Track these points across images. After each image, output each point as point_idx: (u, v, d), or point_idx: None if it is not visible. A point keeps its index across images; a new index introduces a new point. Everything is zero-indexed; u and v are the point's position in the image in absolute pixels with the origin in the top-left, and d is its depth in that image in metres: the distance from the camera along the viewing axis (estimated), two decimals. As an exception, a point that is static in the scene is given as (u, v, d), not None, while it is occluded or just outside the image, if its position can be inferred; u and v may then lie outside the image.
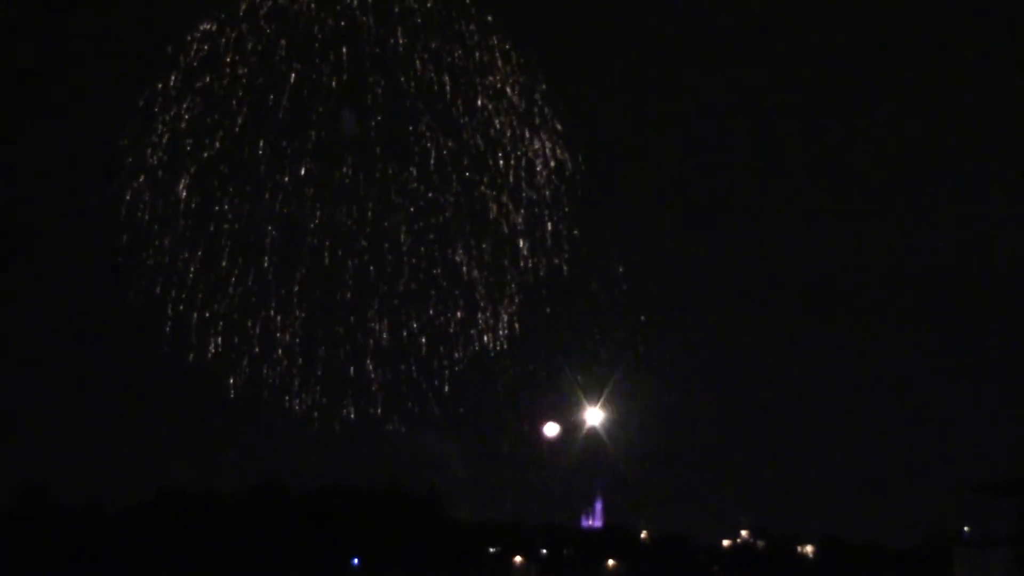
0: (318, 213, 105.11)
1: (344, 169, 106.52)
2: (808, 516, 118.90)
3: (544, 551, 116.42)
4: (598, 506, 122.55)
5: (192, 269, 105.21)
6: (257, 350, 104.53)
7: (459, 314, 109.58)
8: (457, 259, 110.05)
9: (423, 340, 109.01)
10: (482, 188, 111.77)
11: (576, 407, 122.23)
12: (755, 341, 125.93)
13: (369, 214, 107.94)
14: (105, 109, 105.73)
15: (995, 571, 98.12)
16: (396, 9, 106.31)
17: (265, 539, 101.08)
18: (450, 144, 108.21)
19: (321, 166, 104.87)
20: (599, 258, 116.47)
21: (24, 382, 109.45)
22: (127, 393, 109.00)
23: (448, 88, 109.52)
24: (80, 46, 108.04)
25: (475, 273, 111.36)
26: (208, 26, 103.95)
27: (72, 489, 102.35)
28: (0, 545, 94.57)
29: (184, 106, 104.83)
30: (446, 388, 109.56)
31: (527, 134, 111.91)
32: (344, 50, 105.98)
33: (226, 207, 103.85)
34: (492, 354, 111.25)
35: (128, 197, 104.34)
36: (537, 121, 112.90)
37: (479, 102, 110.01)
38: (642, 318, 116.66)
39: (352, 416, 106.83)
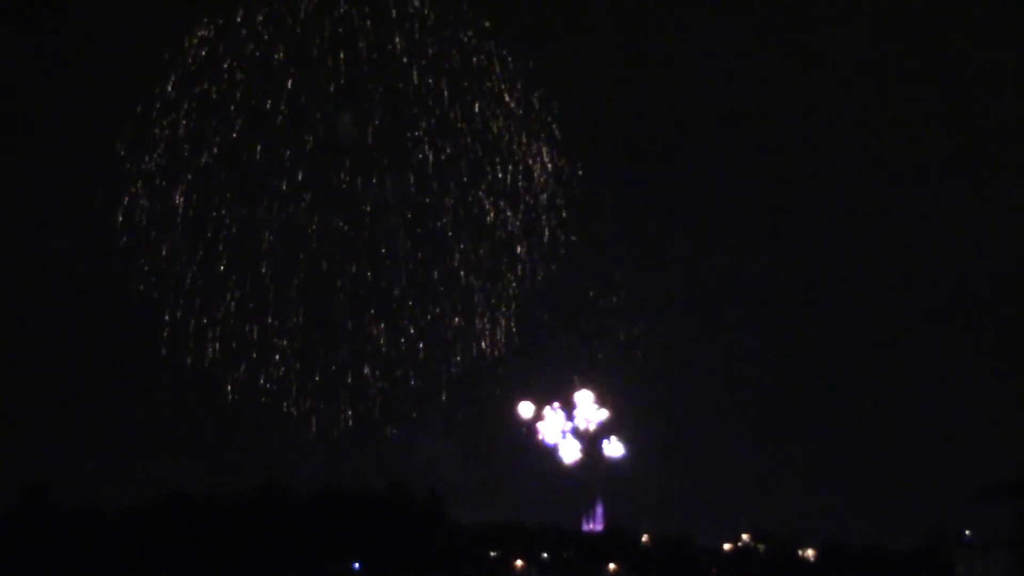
0: (315, 219, 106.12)
1: (342, 175, 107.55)
2: (809, 519, 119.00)
3: (545, 554, 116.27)
4: (599, 509, 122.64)
5: (190, 275, 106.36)
6: (255, 355, 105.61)
7: (457, 319, 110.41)
8: (455, 264, 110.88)
9: (420, 345, 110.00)
10: (479, 193, 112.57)
11: (575, 411, 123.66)
12: (756, 345, 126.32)
13: (367, 219, 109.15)
14: (103, 115, 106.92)
15: (996, 573, 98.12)
16: (394, 15, 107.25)
17: (265, 542, 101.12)
18: (448, 150, 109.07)
19: (319, 171, 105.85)
20: (597, 264, 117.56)
21: (25, 384, 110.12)
22: (128, 395, 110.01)
23: (446, 94, 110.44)
24: (78, 52, 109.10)
25: (472, 278, 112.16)
26: (205, 33, 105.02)
27: (72, 490, 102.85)
28: (1, 545, 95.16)
29: (182, 112, 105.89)
30: (443, 396, 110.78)
31: (525, 139, 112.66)
32: (342, 55, 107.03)
33: (224, 213, 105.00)
34: (489, 358, 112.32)
35: (126, 202, 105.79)
36: (535, 127, 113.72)
37: (476, 108, 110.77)
38: (639, 324, 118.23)
39: (350, 421, 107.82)
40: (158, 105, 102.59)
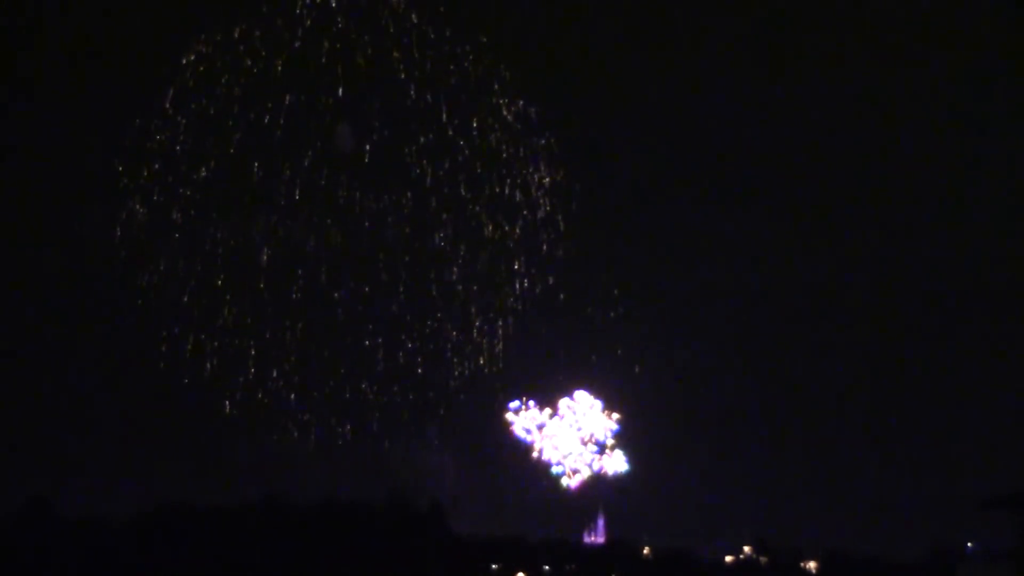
0: (313, 234, 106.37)
1: (339, 190, 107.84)
2: (812, 531, 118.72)
3: (547, 567, 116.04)
4: (600, 522, 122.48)
5: (187, 289, 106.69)
6: (253, 370, 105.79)
7: (455, 334, 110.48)
8: (453, 278, 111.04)
9: (419, 359, 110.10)
10: (477, 207, 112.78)
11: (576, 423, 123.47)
12: (758, 356, 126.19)
13: (365, 234, 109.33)
14: (101, 130, 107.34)
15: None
16: (391, 30, 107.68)
17: (266, 555, 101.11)
18: (446, 164, 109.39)
19: (316, 187, 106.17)
20: (595, 278, 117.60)
21: (26, 397, 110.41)
22: (129, 408, 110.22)
23: (444, 109, 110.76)
24: (76, 67, 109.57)
25: (470, 292, 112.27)
26: (203, 49, 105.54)
27: (74, 503, 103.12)
28: (3, 558, 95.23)
29: (180, 127, 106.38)
30: (442, 410, 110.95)
31: (522, 153, 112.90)
32: (340, 71, 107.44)
33: (221, 228, 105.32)
34: (487, 372, 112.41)
35: (124, 217, 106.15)
36: (533, 141, 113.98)
37: (474, 123, 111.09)
38: (638, 337, 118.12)
39: (348, 435, 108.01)
40: (156, 120, 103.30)
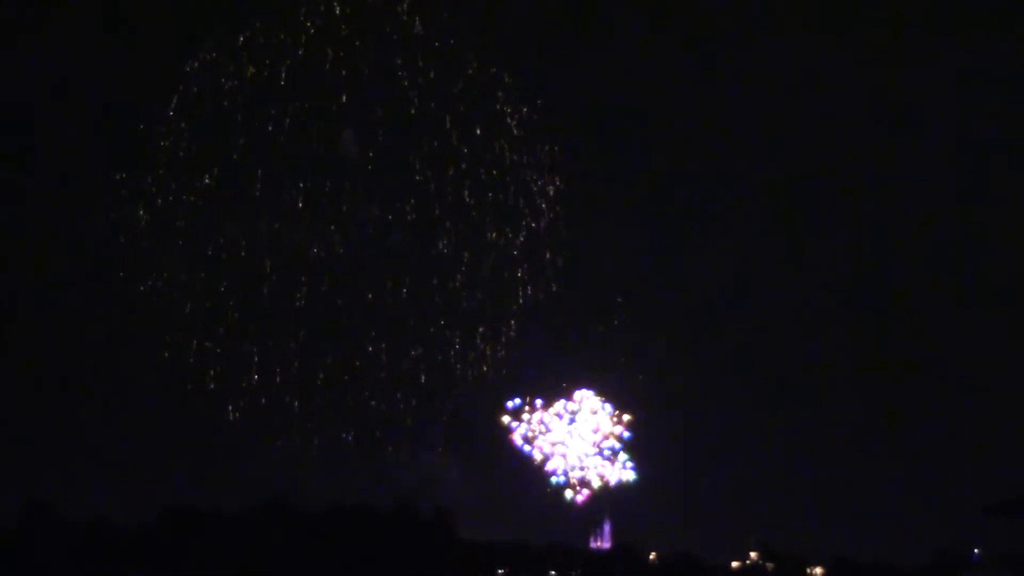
0: (316, 241, 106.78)
1: (343, 197, 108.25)
2: (818, 537, 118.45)
3: (552, 572, 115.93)
4: (606, 527, 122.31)
5: (191, 296, 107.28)
6: (256, 377, 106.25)
7: (457, 341, 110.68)
8: (456, 285, 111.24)
9: (422, 366, 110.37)
10: (481, 215, 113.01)
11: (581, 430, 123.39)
12: (763, 361, 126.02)
13: (367, 241, 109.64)
14: (105, 136, 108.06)
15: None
16: (395, 38, 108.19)
17: (271, 560, 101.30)
18: (449, 171, 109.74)
19: (320, 193, 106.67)
20: (598, 285, 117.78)
21: (29, 401, 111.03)
22: (133, 412, 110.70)
23: (448, 116, 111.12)
24: (80, 74, 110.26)
25: (473, 300, 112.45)
26: (207, 56, 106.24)
27: (77, 508, 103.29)
28: (5, 563, 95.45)
29: (183, 134, 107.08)
30: (445, 416, 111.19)
31: (526, 161, 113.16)
32: (343, 77, 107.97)
33: (224, 234, 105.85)
34: (491, 379, 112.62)
35: (127, 223, 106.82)
36: (537, 149, 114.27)
37: (478, 131, 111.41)
38: (641, 343, 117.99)
39: (351, 440, 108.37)
40: (160, 127, 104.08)
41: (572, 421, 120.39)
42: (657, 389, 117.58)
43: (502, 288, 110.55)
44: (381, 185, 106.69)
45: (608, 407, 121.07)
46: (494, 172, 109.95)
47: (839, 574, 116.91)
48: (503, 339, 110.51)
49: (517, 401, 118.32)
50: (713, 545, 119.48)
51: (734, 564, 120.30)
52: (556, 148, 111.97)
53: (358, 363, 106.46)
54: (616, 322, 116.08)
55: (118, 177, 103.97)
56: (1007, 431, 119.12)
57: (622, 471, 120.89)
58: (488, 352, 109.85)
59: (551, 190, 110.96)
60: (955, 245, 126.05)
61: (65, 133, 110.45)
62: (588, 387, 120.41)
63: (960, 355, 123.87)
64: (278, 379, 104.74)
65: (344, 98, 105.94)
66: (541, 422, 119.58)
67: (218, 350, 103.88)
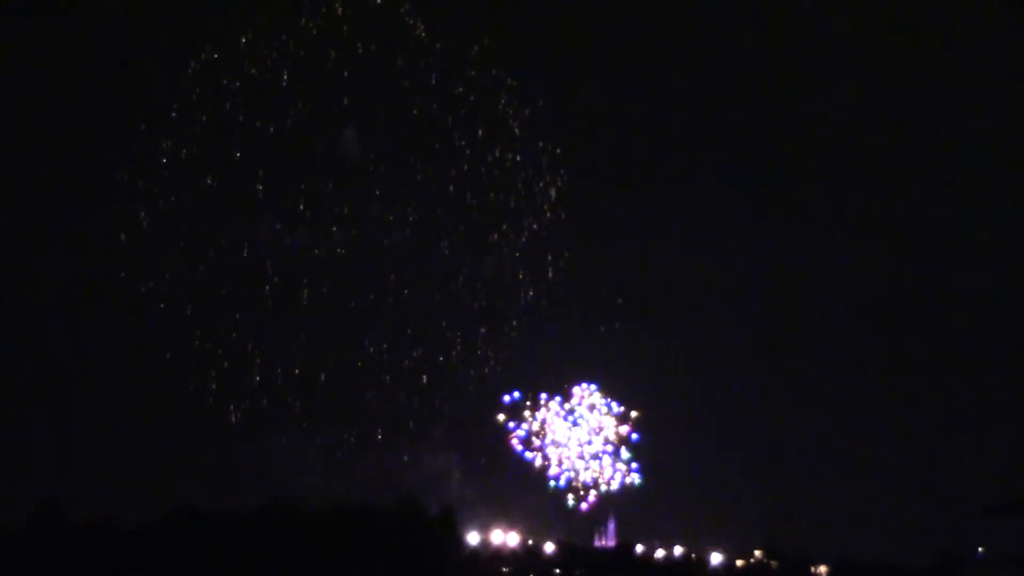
0: (318, 242, 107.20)
1: (344, 198, 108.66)
2: (822, 537, 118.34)
3: (557, 571, 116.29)
4: (611, 526, 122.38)
5: (192, 297, 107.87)
6: (258, 378, 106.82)
7: (459, 342, 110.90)
8: (458, 286, 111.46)
9: (423, 368, 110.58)
10: (482, 216, 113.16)
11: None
12: (767, 362, 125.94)
13: (369, 242, 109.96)
14: (106, 136, 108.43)
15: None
16: (397, 39, 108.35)
17: (276, 560, 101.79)
18: (451, 173, 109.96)
19: (321, 194, 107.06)
20: (600, 288, 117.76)
21: (34, 402, 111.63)
22: (139, 412, 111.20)
23: (449, 117, 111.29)
24: (81, 73, 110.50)
25: (475, 301, 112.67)
26: (209, 57, 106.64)
27: (84, 508, 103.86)
28: (13, 563, 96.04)
29: (185, 135, 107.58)
30: (447, 418, 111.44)
31: (527, 162, 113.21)
32: (345, 78, 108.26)
33: (225, 235, 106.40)
34: (493, 380, 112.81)
35: (128, 224, 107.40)
36: (538, 150, 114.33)
37: (480, 131, 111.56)
38: (643, 344, 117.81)
39: (352, 440, 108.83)
40: (162, 127, 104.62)
41: (575, 424, 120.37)
42: (660, 389, 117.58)
43: (504, 289, 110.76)
44: (382, 186, 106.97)
45: (614, 405, 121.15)
46: (495, 172, 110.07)
47: (843, 574, 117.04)
48: (505, 340, 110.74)
49: (516, 395, 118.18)
50: (717, 544, 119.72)
51: (738, 563, 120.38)
52: (558, 149, 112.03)
53: (360, 363, 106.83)
54: (618, 323, 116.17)
55: (119, 178, 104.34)
56: (1012, 431, 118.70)
57: (626, 475, 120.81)
58: (490, 352, 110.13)
59: (552, 191, 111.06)
60: (955, 245, 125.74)
61: (66, 133, 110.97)
62: (590, 382, 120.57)
63: (962, 356, 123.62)
64: (280, 379, 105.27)
65: (346, 99, 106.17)
66: (543, 421, 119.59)
67: (220, 351, 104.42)
